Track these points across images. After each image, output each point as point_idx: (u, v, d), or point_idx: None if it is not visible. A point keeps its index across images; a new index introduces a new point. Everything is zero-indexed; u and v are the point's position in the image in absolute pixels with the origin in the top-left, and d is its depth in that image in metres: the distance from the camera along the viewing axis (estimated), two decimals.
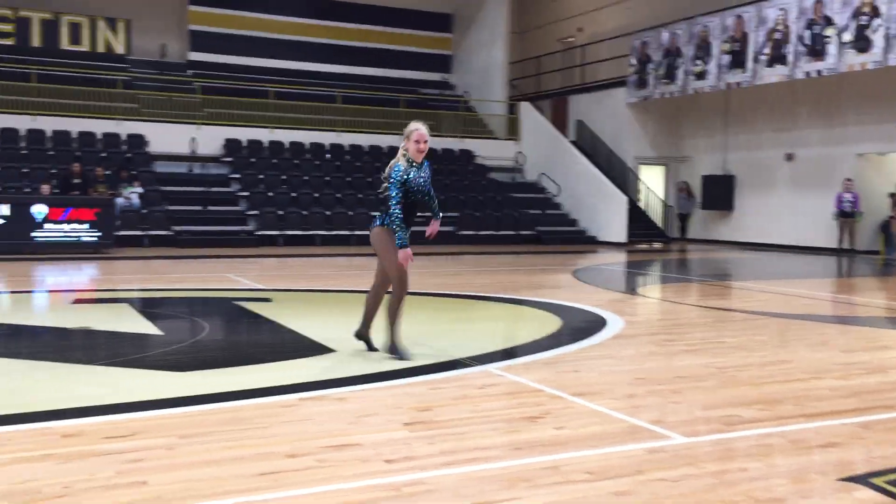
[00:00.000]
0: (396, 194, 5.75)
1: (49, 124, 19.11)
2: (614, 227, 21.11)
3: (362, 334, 6.21)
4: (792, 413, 4.66)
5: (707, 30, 20.35)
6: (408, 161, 5.84)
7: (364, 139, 22.00)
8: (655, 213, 23.31)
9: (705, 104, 22.40)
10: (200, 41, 23.48)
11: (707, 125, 22.68)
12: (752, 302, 10.07)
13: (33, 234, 14.78)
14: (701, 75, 20.54)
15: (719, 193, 22.00)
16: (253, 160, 20.53)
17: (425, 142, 5.86)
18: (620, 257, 17.54)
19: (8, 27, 21.02)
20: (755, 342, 7.00)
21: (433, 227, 6.12)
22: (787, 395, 5.06)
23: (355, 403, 4.73)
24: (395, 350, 5.91)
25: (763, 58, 18.84)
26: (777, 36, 18.52)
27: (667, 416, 4.54)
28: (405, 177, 5.79)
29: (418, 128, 5.88)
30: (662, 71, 21.70)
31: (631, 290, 12.07)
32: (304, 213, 19.12)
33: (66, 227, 15.01)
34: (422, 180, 5.90)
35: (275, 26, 24.39)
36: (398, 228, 5.75)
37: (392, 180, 5.77)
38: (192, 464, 3.61)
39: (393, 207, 5.75)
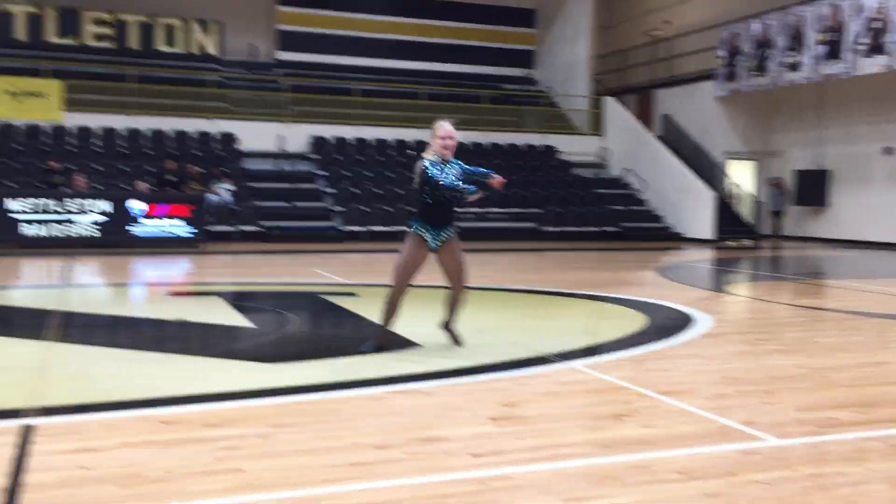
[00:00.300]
0: (435, 174, 5.68)
1: (146, 123, 19.87)
2: (701, 223, 20.65)
3: (447, 326, 6.26)
4: (891, 417, 4.49)
5: (801, 19, 19.67)
6: (435, 159, 5.80)
7: None
8: (745, 210, 22.69)
9: (798, 97, 21.66)
10: (289, 41, 24.02)
11: (800, 118, 21.94)
12: (848, 301, 9.71)
13: (131, 229, 15.40)
14: (794, 67, 19.88)
15: (812, 189, 21.26)
16: (338, 157, 20.88)
17: (451, 138, 5.80)
18: (707, 254, 17.15)
19: (107, 30, 21.94)
20: (851, 343, 6.76)
21: (495, 181, 5.94)
22: (886, 398, 4.88)
23: (442, 397, 4.78)
24: (377, 341, 6.01)
25: (861, 48, 18.11)
26: (876, 25, 17.77)
27: (759, 416, 4.43)
28: (439, 166, 5.75)
29: (444, 125, 5.83)
30: (753, 63, 21.09)
31: (719, 287, 11.80)
32: (389, 209, 19.35)
33: (162, 222, 15.59)
34: (452, 178, 5.78)
35: (360, 25, 24.73)
36: (459, 191, 5.67)
37: (427, 169, 5.70)
38: (286, 452, 3.72)
39: (443, 183, 5.65)
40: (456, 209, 5.95)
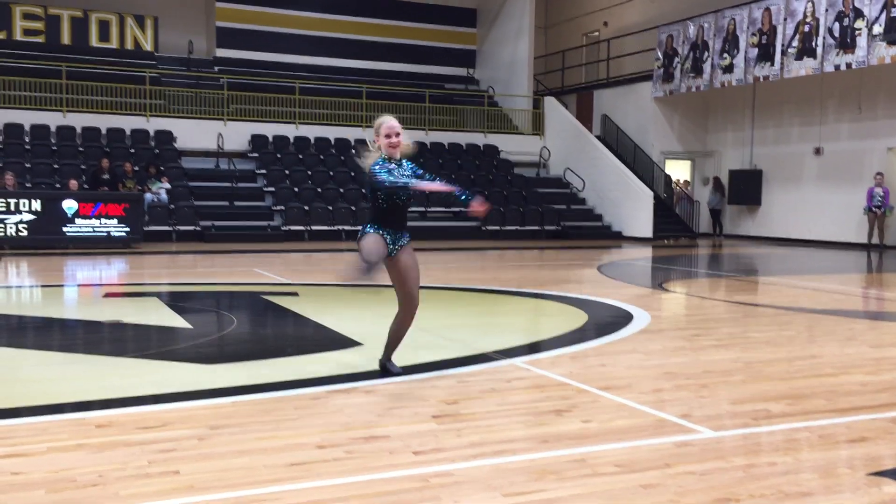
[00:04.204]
0: (385, 176, 4.93)
1: (79, 121, 19.35)
2: (640, 222, 21.01)
3: (386, 361, 5.38)
4: (821, 408, 4.63)
5: (734, 22, 20.16)
6: (383, 158, 5.06)
7: None
8: (683, 209, 23.16)
9: (732, 98, 22.21)
10: (227, 37, 23.65)
11: (734, 119, 22.49)
12: (780, 297, 9.98)
13: (64, 229, 14.99)
14: (728, 69, 20.35)
15: (747, 188, 21.82)
16: (279, 155, 20.66)
17: (397, 134, 5.07)
18: (646, 252, 17.45)
19: (38, 25, 21.30)
20: (783, 337, 6.95)
21: (475, 207, 5.14)
22: (816, 390, 5.03)
23: (383, 396, 4.76)
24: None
25: (791, 51, 18.64)
26: (806, 28, 18.31)
27: (694, 410, 4.53)
28: (389, 166, 5.02)
29: (386, 120, 5.13)
30: (689, 65, 21.53)
31: (657, 285, 12.01)
32: (330, 207, 19.22)
33: (95, 222, 15.21)
34: (403, 178, 5.03)
35: (300, 22, 24.50)
36: (403, 186, 4.93)
37: (374, 171, 4.97)
38: (224, 454, 3.66)
39: (386, 183, 4.91)
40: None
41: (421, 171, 5.24)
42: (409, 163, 5.21)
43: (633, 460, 3.64)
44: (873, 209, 18.03)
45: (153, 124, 19.99)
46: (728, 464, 3.62)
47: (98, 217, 15.22)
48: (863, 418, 4.40)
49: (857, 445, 3.94)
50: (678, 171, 23.83)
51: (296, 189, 19.63)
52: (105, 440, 3.83)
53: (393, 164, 5.06)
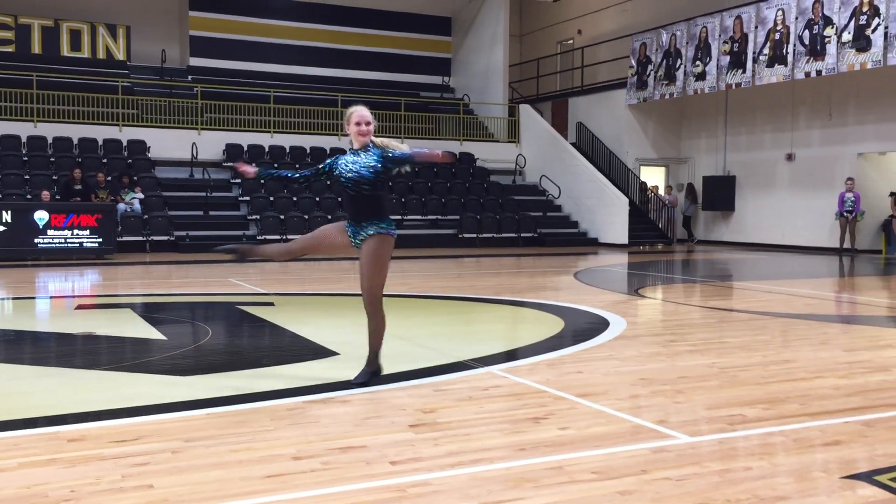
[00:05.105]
0: (309, 169, 5.43)
1: (50, 131, 19.14)
2: (615, 228, 21.13)
3: (370, 365, 5.33)
4: (795, 412, 4.66)
5: (707, 30, 20.37)
6: (350, 150, 5.21)
7: None
8: (665, 215, 23.32)
9: (705, 105, 22.42)
10: (200, 47, 23.53)
11: (707, 126, 22.71)
12: (755, 302, 10.07)
13: (35, 241, 14.80)
14: (701, 76, 20.56)
15: (720, 194, 22.02)
16: (254, 165, 20.53)
17: (367, 123, 5.09)
18: (622, 259, 17.54)
19: (8, 34, 21.07)
20: (758, 342, 7.00)
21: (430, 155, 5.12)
22: (791, 395, 5.07)
23: (360, 406, 4.74)
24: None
25: (763, 58, 18.86)
26: (776, 36, 18.54)
27: (671, 415, 4.55)
28: (330, 161, 5.30)
29: (357, 109, 5.18)
30: (662, 72, 21.72)
31: (633, 291, 12.08)
32: (306, 217, 19.15)
33: (68, 233, 15.03)
34: (352, 168, 5.06)
35: (274, 31, 24.44)
36: (409, 157, 5.09)
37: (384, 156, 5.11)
38: (198, 467, 3.62)
39: (398, 154, 5.10)
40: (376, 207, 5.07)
41: (366, 176, 5.10)
42: (377, 150, 5.13)
43: (609, 467, 3.65)
44: (844, 214, 18.27)
45: (126, 134, 19.82)
46: (704, 469, 3.64)
47: (70, 228, 15.05)
48: (836, 422, 4.45)
49: (831, 449, 3.98)
50: (653, 177, 24.01)
51: (271, 198, 19.55)
52: (78, 454, 3.78)
53: (350, 154, 5.18)
